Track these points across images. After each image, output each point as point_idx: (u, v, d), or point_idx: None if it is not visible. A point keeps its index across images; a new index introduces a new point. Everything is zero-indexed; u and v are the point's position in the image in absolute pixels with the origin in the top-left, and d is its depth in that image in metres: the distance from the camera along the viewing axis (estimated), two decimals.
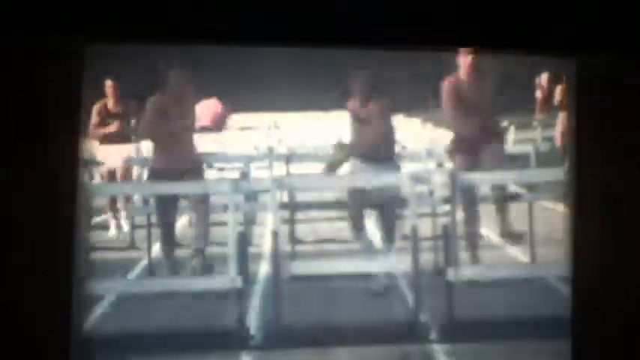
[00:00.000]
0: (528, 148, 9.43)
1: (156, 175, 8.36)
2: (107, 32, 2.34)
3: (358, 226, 8.33)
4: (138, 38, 2.40)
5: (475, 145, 8.36)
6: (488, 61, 8.50)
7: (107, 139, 9.47)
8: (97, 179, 9.65)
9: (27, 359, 2.42)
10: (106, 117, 9.50)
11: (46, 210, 2.36)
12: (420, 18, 2.37)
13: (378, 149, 8.22)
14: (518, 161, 9.09)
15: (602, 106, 2.47)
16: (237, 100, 12.82)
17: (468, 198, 8.13)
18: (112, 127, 9.49)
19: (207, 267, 7.87)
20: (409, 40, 2.41)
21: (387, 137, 8.31)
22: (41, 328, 2.41)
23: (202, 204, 8.22)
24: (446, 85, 8.53)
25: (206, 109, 12.52)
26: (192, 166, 8.36)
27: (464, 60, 8.41)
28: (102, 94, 9.49)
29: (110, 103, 9.51)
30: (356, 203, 8.32)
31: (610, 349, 2.59)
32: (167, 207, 8.21)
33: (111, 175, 9.56)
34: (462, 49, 7.87)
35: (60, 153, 2.36)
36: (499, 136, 8.76)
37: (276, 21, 2.36)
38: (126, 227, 9.49)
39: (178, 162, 8.28)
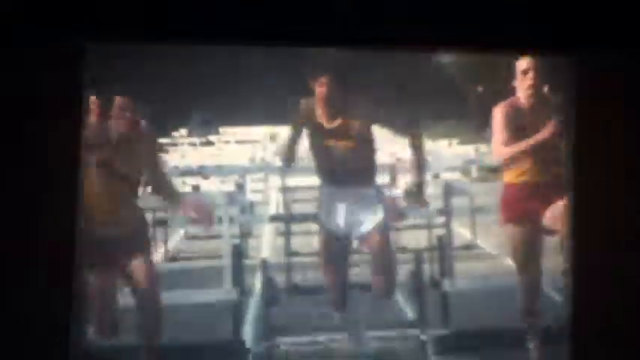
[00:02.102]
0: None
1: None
2: (107, 32, 2.36)
3: (340, 303, 6.61)
4: (138, 38, 2.41)
5: (535, 196, 6.05)
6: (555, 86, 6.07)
7: None
8: None
9: None
10: None
11: (46, 210, 2.36)
12: (419, 18, 2.39)
13: (349, 175, 6.32)
14: None
15: (603, 106, 2.47)
16: (233, 113, 12.83)
17: None
18: None
19: None
20: (408, 40, 2.42)
21: (362, 161, 6.31)
22: (40, 338, 2.41)
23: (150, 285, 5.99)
24: (500, 111, 6.03)
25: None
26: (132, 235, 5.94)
27: (522, 80, 5.92)
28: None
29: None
30: (332, 256, 6.48)
31: (608, 354, 2.58)
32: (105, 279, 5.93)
33: None
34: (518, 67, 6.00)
35: (60, 154, 2.36)
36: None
37: (276, 21, 2.37)
38: None
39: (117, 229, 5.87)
